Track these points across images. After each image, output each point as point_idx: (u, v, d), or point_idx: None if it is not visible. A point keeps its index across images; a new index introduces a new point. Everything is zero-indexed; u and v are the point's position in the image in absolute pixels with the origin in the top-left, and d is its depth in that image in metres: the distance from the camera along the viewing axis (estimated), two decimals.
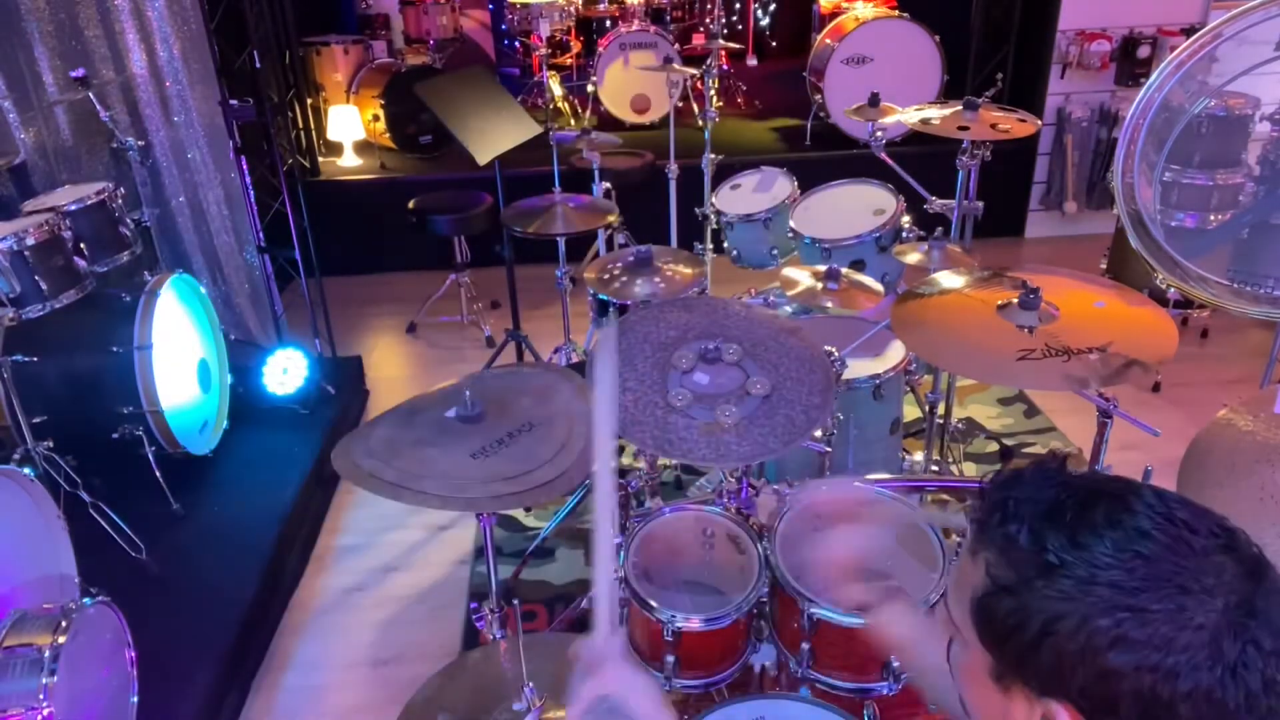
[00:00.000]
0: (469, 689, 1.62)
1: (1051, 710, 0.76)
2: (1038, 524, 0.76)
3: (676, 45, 6.03)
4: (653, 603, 1.79)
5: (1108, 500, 0.76)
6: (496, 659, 1.68)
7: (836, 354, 2.02)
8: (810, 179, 3.28)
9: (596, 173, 3.71)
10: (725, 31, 7.47)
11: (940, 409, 3.00)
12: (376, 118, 5.51)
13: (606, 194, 3.72)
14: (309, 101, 5.54)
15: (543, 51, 5.25)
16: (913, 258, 2.59)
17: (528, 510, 3.25)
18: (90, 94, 3.18)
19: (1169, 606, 0.70)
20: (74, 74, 3.17)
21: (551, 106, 5.90)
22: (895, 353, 2.71)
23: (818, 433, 2.20)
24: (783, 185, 3.31)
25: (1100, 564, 0.72)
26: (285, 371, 3.58)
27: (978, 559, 0.80)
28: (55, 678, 1.77)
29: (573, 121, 6.15)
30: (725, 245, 3.36)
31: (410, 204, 4.33)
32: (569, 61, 6.58)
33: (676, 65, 4.17)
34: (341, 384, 3.79)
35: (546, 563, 2.99)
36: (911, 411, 3.45)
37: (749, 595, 1.81)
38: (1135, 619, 0.71)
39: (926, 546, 1.81)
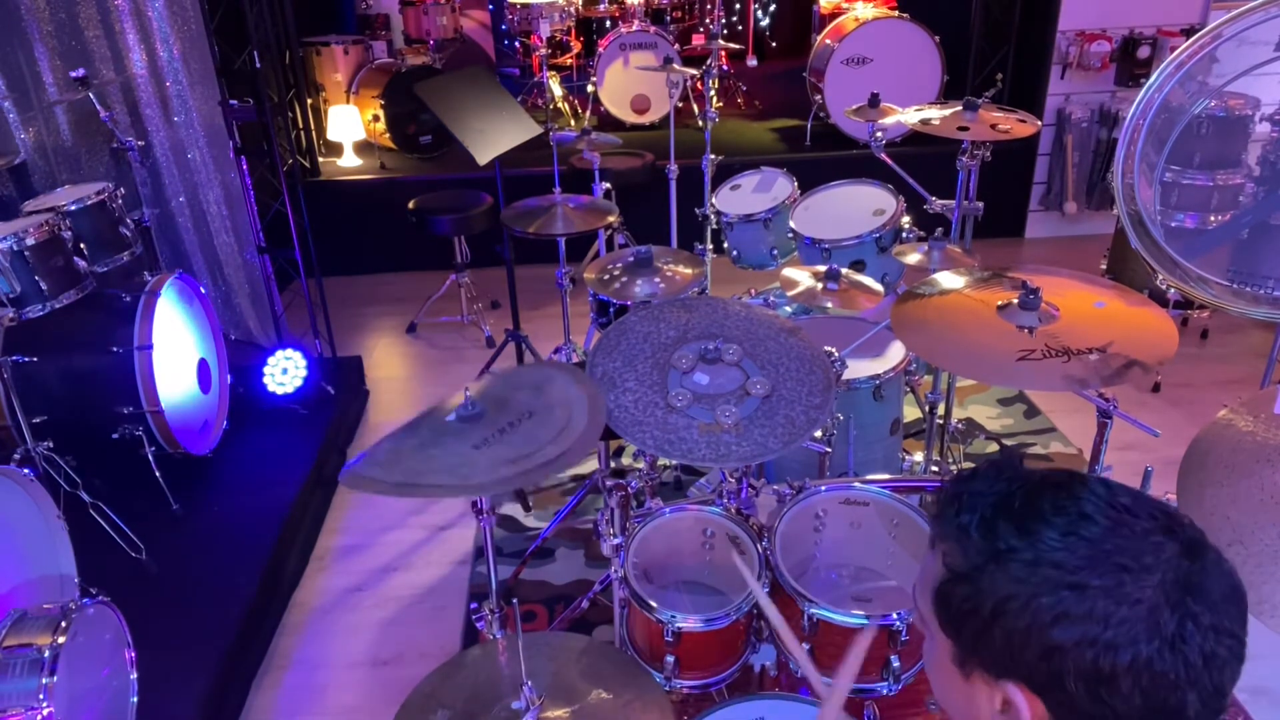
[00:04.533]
0: (467, 687, 1.62)
1: (1008, 691, 0.79)
2: (989, 514, 0.80)
3: (676, 45, 6.03)
4: (653, 603, 1.79)
5: (1054, 490, 0.80)
6: (495, 657, 1.68)
7: (836, 354, 2.02)
8: (810, 179, 3.28)
9: (596, 173, 3.70)
10: (725, 32, 7.50)
11: (940, 409, 3.00)
12: (376, 118, 5.51)
13: (606, 194, 3.71)
14: (309, 101, 5.54)
15: (543, 52, 5.27)
16: (913, 258, 2.59)
17: (527, 510, 3.25)
18: (90, 94, 3.18)
19: (1107, 582, 0.73)
20: (74, 74, 3.17)
21: (551, 107, 5.90)
22: (895, 353, 2.71)
23: (818, 433, 2.21)
24: (782, 185, 3.31)
25: (1046, 547, 0.76)
26: (285, 371, 3.58)
27: (936, 551, 0.85)
28: (55, 678, 1.77)
29: (573, 122, 6.15)
30: (725, 245, 3.36)
31: (410, 204, 4.33)
32: (569, 62, 6.59)
33: (676, 65, 4.15)
34: (341, 384, 3.80)
35: (546, 563, 2.99)
36: (911, 412, 3.45)
37: (749, 595, 1.81)
38: (1075, 595, 0.74)
39: (925, 546, 1.80)
